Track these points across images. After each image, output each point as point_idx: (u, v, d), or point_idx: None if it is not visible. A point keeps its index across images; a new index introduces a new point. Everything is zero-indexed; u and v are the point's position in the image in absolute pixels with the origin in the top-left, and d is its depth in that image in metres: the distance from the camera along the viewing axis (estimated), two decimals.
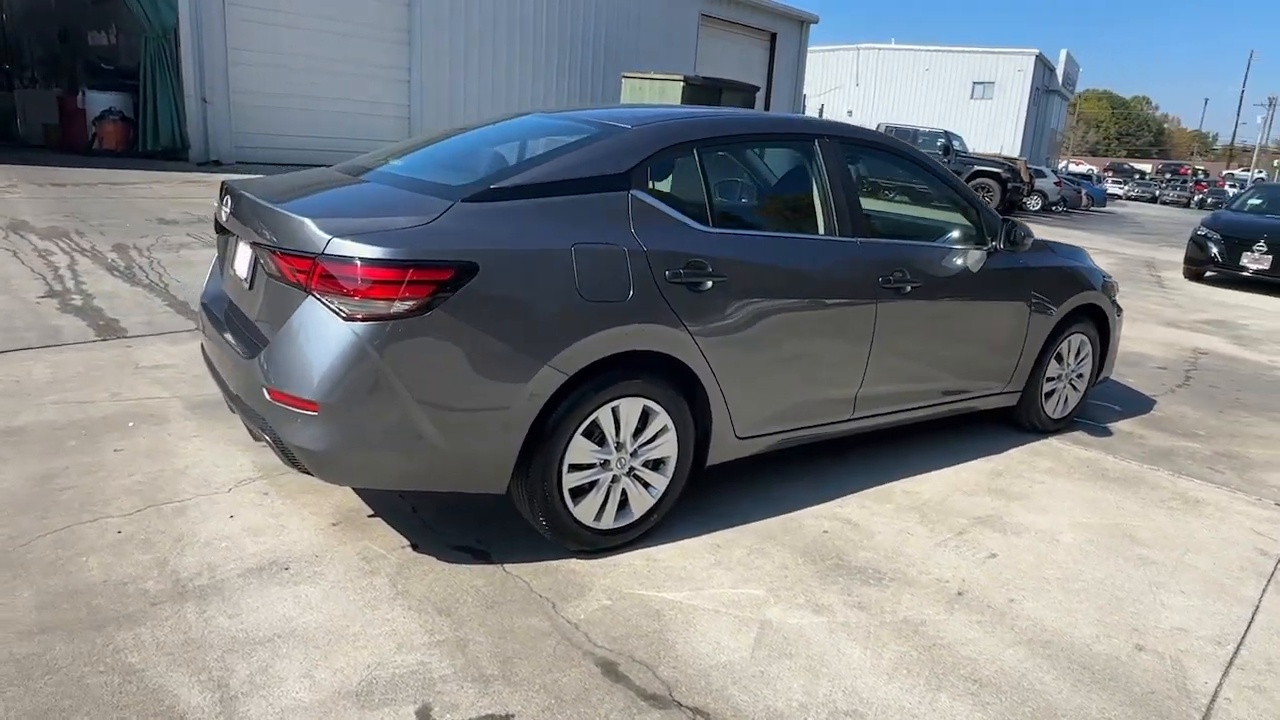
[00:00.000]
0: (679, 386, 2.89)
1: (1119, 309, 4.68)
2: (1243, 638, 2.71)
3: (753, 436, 3.18)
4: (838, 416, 3.45)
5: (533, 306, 2.51)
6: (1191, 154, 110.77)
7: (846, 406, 3.45)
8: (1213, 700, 2.38)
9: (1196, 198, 54.78)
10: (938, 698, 2.29)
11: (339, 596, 2.52)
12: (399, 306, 2.34)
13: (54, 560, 2.58)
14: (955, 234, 3.75)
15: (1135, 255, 15.10)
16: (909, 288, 3.46)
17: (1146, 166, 77.72)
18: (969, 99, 44.13)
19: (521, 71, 16.39)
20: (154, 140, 11.86)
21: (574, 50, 17.28)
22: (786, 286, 3.09)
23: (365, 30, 13.88)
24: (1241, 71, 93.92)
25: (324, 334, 2.37)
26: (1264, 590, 3.03)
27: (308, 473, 2.52)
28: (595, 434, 2.74)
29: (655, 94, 15.07)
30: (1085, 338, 4.46)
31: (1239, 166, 74.94)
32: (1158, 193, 55.00)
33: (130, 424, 3.63)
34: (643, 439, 2.86)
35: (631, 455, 2.84)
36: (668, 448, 2.92)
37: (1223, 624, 2.79)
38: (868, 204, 3.63)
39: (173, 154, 12.05)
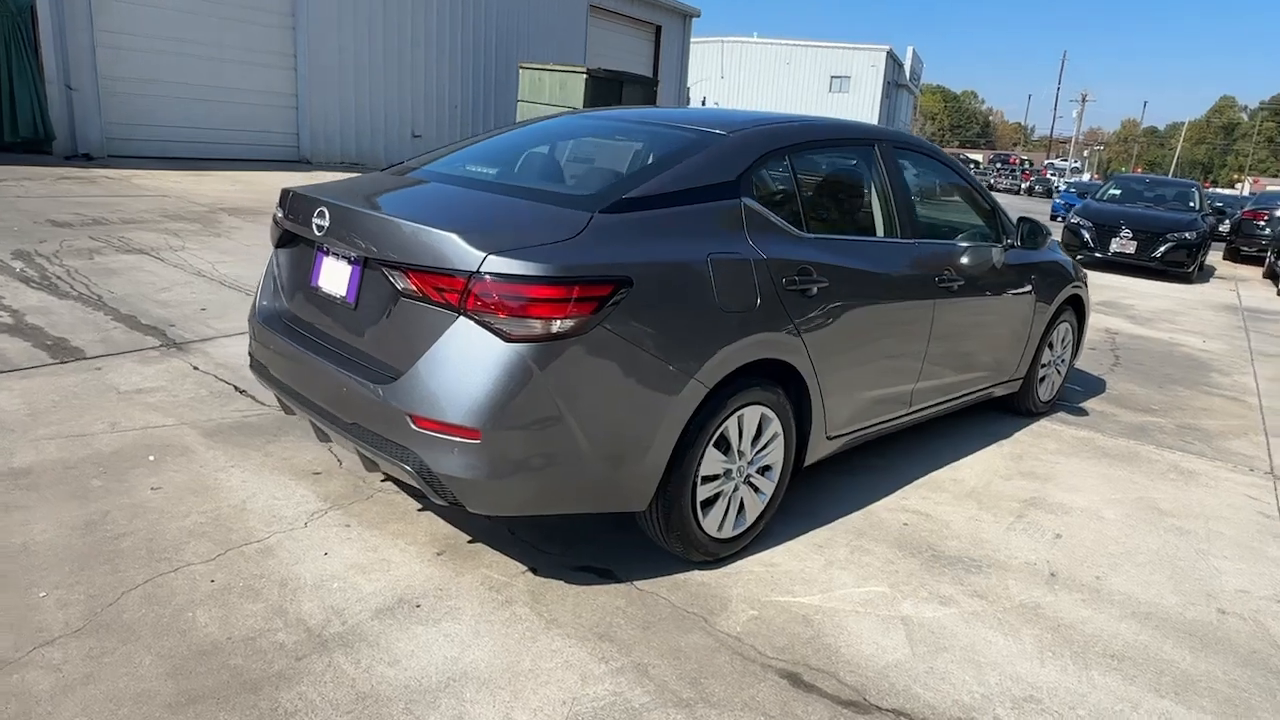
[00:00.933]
0: (786, 391, 2.91)
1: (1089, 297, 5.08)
2: None
3: (837, 436, 3.25)
4: (898, 412, 3.57)
5: (680, 319, 2.47)
6: (1014, 144, 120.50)
7: (905, 401, 3.58)
8: None
9: (1025, 185, 59.64)
10: (1091, 676, 2.44)
11: (490, 631, 2.39)
12: (562, 325, 2.24)
13: (156, 619, 2.31)
14: (980, 232, 3.96)
15: None
16: (955, 285, 3.63)
17: (978, 156, 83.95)
18: (827, 92, 46.11)
19: (414, 57, 15.77)
20: (11, 131, 10.61)
21: (465, 37, 16.78)
22: (870, 289, 3.17)
23: (247, 14, 12.94)
24: (1060, 69, 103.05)
25: (483, 357, 2.23)
26: None
27: (454, 503, 2.37)
28: (722, 444, 2.73)
29: (556, 85, 14.90)
30: (1069, 325, 4.82)
31: (1058, 156, 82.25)
32: (993, 180, 59.42)
33: (151, 458, 3.28)
34: (758, 445, 2.87)
35: (749, 463, 2.85)
36: (777, 453, 2.94)
37: (1272, 584, 3.11)
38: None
39: (34, 146, 10.83)
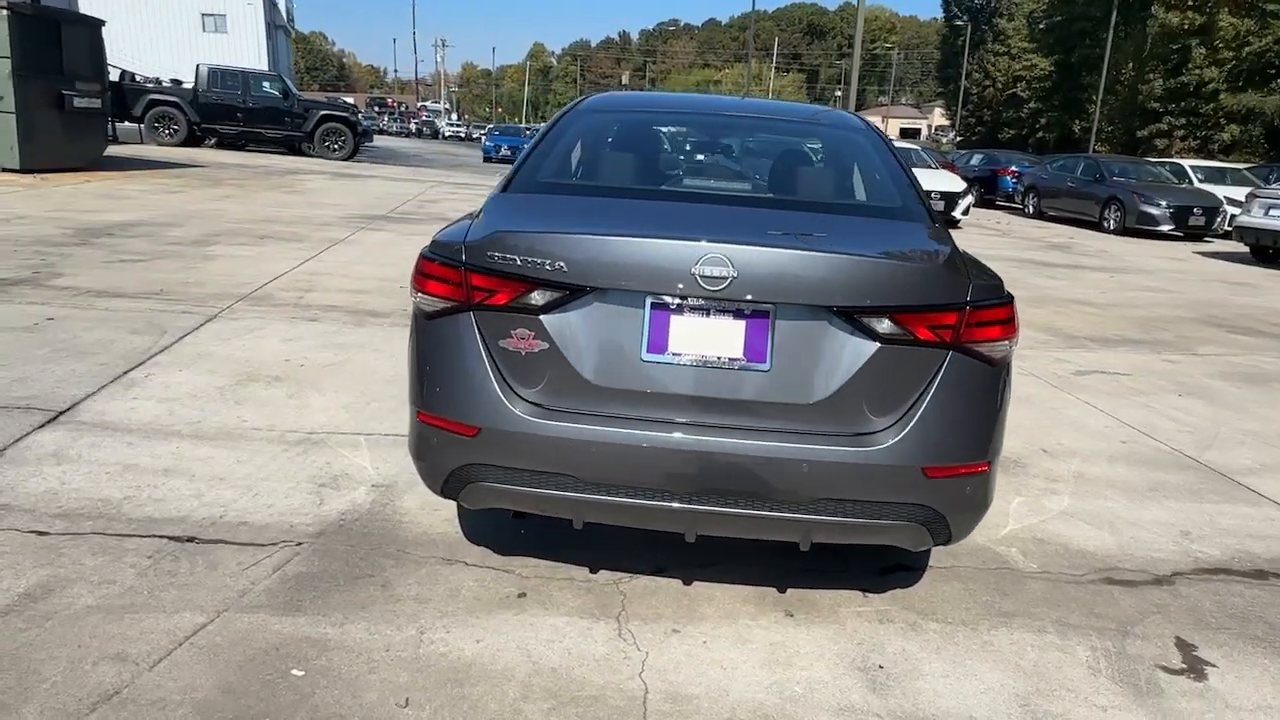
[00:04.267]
0: None
1: None
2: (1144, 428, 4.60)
3: None
4: None
5: None
6: (372, 87, 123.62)
7: None
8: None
9: (413, 128, 62.52)
10: (1203, 507, 3.46)
11: (970, 662, 2.38)
12: (1014, 343, 2.31)
13: None
14: None
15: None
16: None
17: (351, 99, 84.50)
18: (201, 32, 41.06)
19: None
20: None
21: None
22: None
23: None
24: (412, 14, 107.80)
25: (980, 387, 2.21)
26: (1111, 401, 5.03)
27: (941, 544, 2.26)
28: None
29: None
30: None
31: (430, 99, 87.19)
32: (382, 125, 60.47)
33: (298, 672, 2.12)
34: None
35: None
36: None
37: (1107, 419, 4.62)
38: None
39: None
